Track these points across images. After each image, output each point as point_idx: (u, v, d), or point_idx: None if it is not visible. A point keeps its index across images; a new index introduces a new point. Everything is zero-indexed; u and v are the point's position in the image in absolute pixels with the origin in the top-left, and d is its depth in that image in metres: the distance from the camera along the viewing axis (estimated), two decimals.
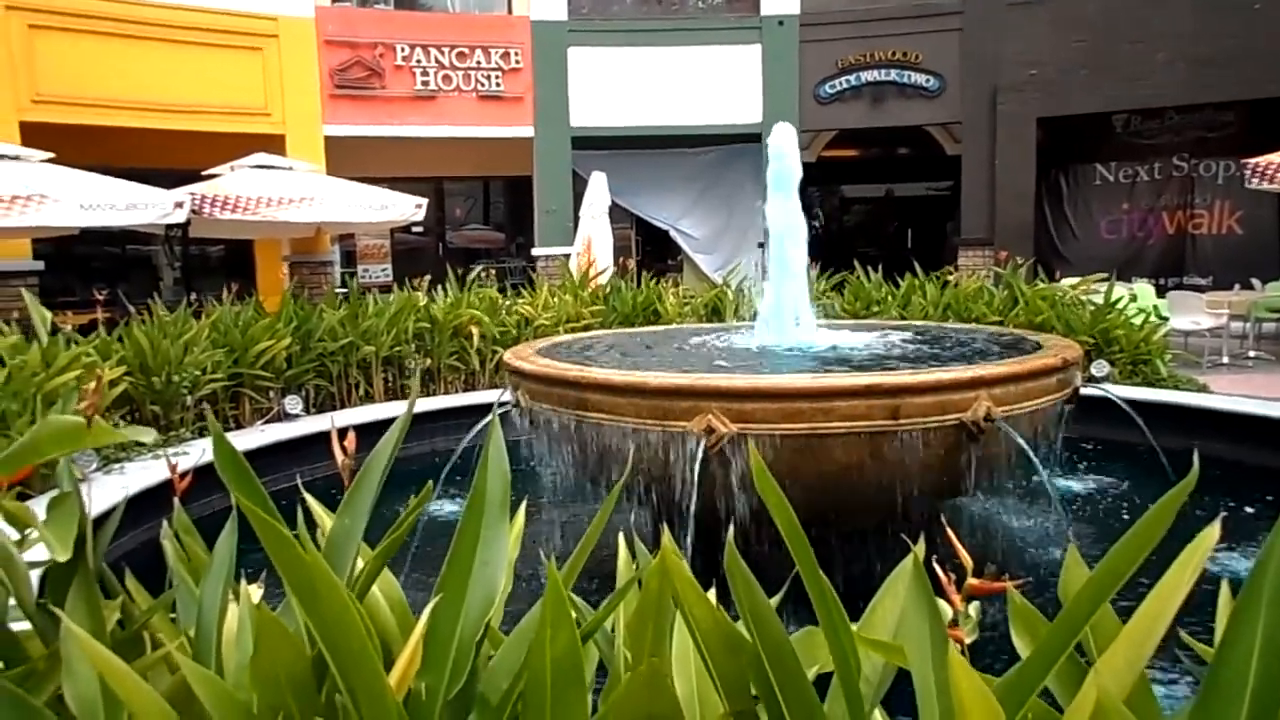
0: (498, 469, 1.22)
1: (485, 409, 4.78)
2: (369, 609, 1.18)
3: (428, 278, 9.14)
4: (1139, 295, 9.18)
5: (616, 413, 3.73)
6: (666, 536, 1.13)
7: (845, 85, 14.75)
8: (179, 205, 9.08)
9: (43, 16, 10.94)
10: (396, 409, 7.06)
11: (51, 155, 9.12)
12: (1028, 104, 13.64)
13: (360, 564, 1.25)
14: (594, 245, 11.64)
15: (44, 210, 8.07)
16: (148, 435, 1.66)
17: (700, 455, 3.44)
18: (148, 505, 4.17)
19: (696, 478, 3.42)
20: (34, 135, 10.27)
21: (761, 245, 12.82)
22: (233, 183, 9.95)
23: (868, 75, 14.65)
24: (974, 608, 1.12)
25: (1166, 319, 8.59)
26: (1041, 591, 3.85)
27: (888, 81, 14.62)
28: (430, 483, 1.27)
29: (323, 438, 6.02)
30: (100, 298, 8.45)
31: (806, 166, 5.33)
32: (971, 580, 1.11)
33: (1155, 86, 12.98)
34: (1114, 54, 13.11)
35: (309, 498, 1.55)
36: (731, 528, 1.07)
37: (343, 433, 1.62)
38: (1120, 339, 7.40)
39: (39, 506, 1.50)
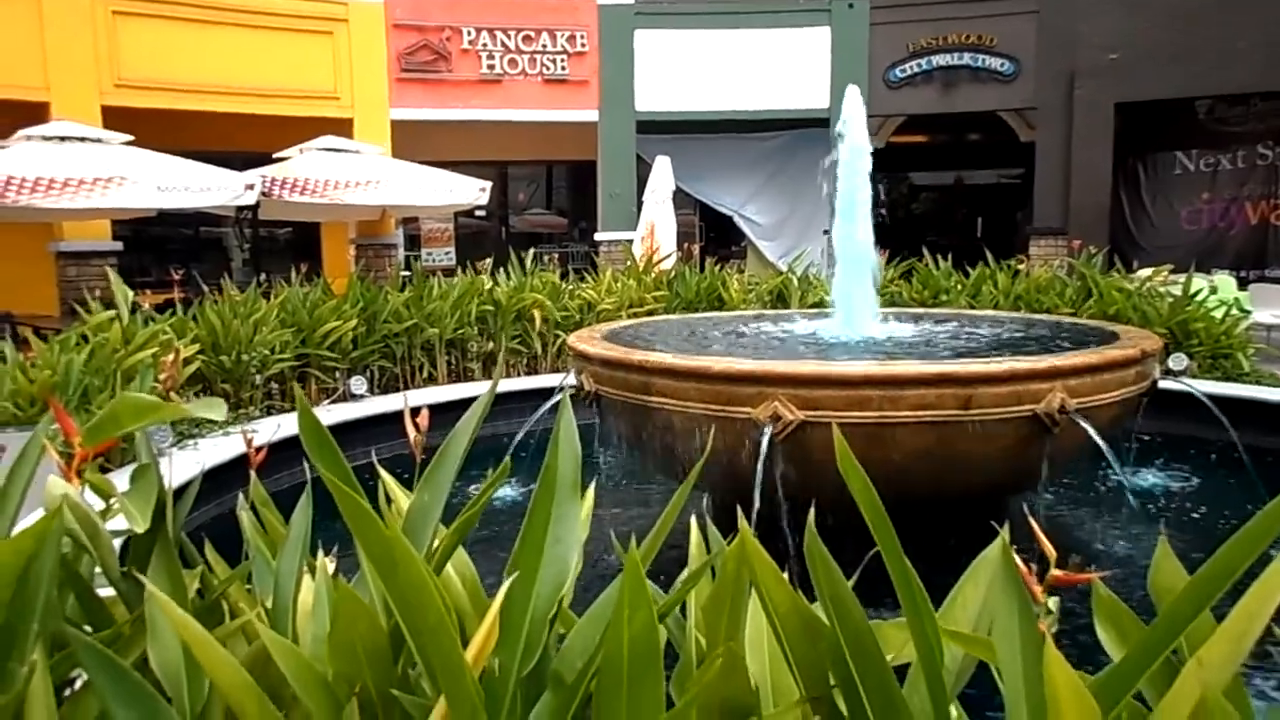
0: (569, 449, 1.22)
1: (547, 393, 4.82)
2: (444, 585, 1.19)
3: (490, 261, 9.20)
4: (1220, 287, 8.88)
5: (681, 398, 3.73)
6: (743, 520, 1.12)
7: (916, 69, 14.49)
8: (250, 187, 9.27)
9: (125, 2, 11.23)
10: (461, 391, 7.14)
11: (130, 138, 9.37)
12: (1106, 89, 13.26)
13: (436, 541, 1.26)
14: (657, 230, 11.63)
15: (124, 191, 8.29)
16: (218, 411, 1.66)
17: (766, 442, 3.43)
18: (219, 481, 4.28)
19: (762, 464, 3.41)
20: (114, 119, 10.56)
21: (827, 232, 12.68)
22: (301, 165, 10.13)
23: (939, 59, 14.37)
24: (1054, 601, 1.09)
25: (1249, 312, 8.31)
26: (1115, 587, 3.75)
27: (960, 65, 14.32)
28: (508, 459, 1.27)
29: (387, 419, 6.13)
30: (176, 278, 8.69)
31: (874, 153, 5.26)
32: (1055, 571, 1.08)
33: (1239, 72, 12.52)
34: (1197, 38, 12.67)
35: (384, 473, 1.58)
36: (812, 510, 1.06)
37: (415, 411, 1.64)
38: (1199, 332, 7.18)
39: (120, 479, 1.54)
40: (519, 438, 4.34)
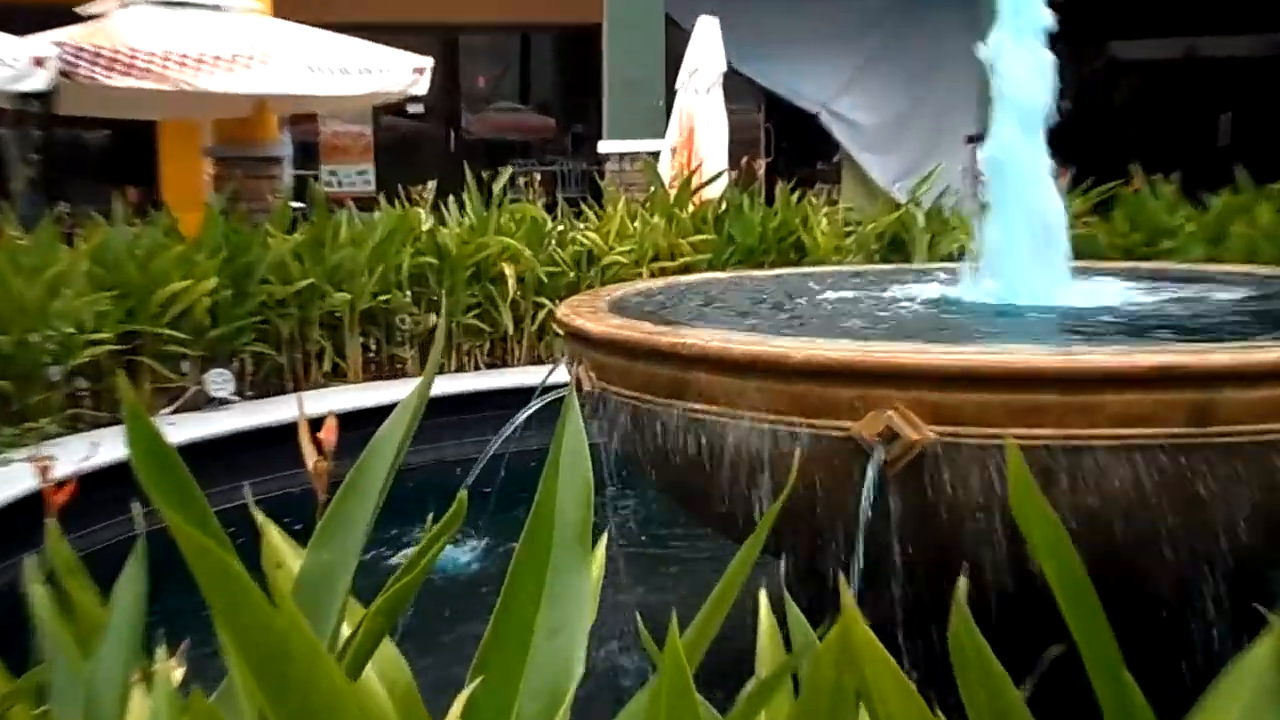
0: (577, 476, 1.21)
1: (524, 395, 4.83)
2: (363, 696, 1.18)
3: (432, 186, 9.22)
4: None
5: (736, 403, 3.73)
6: (847, 595, 1.11)
7: None
8: (39, 62, 9.26)
9: None
10: (386, 392, 7.16)
11: None
12: None
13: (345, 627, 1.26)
14: (699, 137, 11.63)
15: None
16: None
17: (875, 474, 3.42)
18: None
19: (866, 510, 3.40)
20: None
21: (971, 140, 12.67)
22: (124, 27, 10.12)
23: None
24: None
25: None
26: None
27: None
28: (463, 496, 1.25)
29: (268, 436, 6.15)
30: None
31: (1052, 10, 5.25)
32: None
33: None
34: None
35: (263, 520, 1.57)
36: (963, 580, 1.05)
37: (315, 423, 1.64)
38: None
39: None
40: (481, 464, 4.35)
